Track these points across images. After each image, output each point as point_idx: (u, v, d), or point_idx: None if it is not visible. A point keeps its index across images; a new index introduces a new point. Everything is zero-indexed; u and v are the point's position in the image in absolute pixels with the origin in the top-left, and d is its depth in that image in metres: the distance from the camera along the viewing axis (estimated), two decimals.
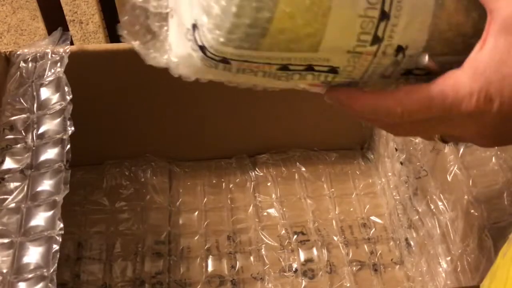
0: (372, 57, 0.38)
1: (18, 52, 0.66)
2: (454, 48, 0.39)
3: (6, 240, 0.53)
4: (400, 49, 0.38)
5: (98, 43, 1.57)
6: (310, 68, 0.38)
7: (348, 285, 0.74)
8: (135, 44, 0.40)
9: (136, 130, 0.84)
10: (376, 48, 0.37)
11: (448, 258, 0.67)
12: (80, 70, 0.65)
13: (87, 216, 0.81)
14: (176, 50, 0.40)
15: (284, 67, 0.38)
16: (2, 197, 0.56)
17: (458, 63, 0.37)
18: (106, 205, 0.83)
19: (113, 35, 1.26)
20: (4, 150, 0.58)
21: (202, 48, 0.37)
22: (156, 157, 0.87)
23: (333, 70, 0.39)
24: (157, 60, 0.40)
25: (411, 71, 0.40)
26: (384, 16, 0.36)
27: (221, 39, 0.35)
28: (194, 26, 0.37)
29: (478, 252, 0.61)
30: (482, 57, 0.35)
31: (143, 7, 0.40)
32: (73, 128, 0.58)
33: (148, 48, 0.40)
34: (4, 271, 0.51)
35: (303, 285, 0.75)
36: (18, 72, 0.64)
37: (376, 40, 0.37)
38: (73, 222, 0.79)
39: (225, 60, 0.37)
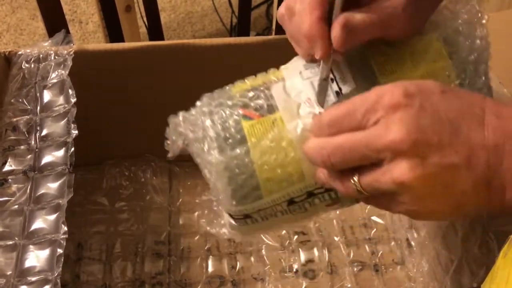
0: None
1: (19, 52, 0.66)
2: None
3: (9, 242, 0.52)
4: None
5: (98, 43, 1.56)
6: (311, 194, 0.45)
7: (349, 285, 0.74)
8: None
9: (136, 130, 0.83)
10: None
11: (449, 259, 0.67)
12: (80, 69, 0.65)
13: (87, 216, 0.81)
14: (227, 225, 0.50)
15: (291, 202, 0.45)
16: (4, 198, 0.56)
17: None
18: (106, 205, 0.83)
19: (112, 35, 1.25)
20: (7, 151, 0.58)
21: (231, 215, 0.47)
22: (156, 157, 0.87)
23: (330, 188, 0.44)
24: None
25: None
26: None
27: (233, 203, 0.45)
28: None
29: (479, 252, 0.61)
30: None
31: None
32: (77, 132, 0.58)
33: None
34: (8, 273, 0.51)
35: (303, 286, 0.75)
36: (21, 73, 0.63)
37: None
38: (73, 223, 0.78)
39: (247, 216, 0.46)
